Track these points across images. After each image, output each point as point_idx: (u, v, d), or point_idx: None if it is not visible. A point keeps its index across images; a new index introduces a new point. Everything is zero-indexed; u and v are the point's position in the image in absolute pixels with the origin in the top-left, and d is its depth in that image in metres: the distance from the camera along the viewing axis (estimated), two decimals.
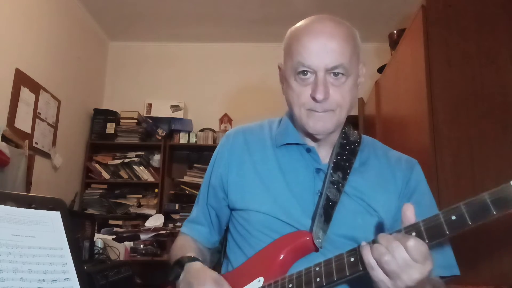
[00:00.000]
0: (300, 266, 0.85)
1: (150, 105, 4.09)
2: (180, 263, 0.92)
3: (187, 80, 4.31)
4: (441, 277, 0.92)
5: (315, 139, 0.99)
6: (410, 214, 0.74)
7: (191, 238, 1.09)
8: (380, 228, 0.93)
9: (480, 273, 1.64)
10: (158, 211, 3.77)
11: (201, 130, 4.08)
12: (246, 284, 0.90)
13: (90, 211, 3.74)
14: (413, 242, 0.68)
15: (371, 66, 3.23)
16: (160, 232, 3.10)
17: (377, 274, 0.71)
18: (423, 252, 0.69)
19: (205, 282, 0.84)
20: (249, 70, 4.25)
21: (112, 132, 3.94)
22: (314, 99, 0.90)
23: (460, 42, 1.90)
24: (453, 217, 0.70)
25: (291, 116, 1.02)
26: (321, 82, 0.89)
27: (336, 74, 0.90)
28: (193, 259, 0.93)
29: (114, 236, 2.85)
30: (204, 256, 1.03)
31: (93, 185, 3.88)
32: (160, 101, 4.10)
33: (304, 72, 0.90)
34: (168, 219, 3.71)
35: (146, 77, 4.31)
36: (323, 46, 0.89)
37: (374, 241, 0.73)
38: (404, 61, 2.32)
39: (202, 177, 1.13)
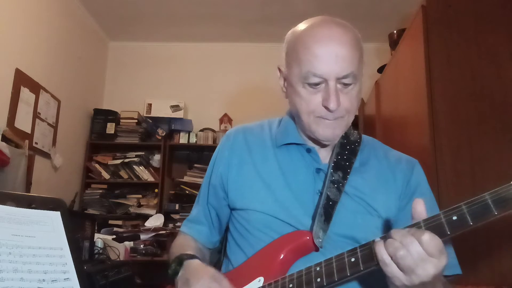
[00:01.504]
0: (300, 266, 0.85)
1: (150, 105, 4.09)
2: (179, 261, 0.92)
3: (187, 80, 4.31)
4: (444, 276, 0.92)
5: (322, 145, 0.99)
6: (420, 209, 0.73)
7: (190, 238, 1.09)
8: (380, 228, 0.93)
9: (480, 273, 1.64)
10: (158, 211, 3.77)
11: (201, 130, 4.08)
12: (246, 284, 0.90)
13: (90, 211, 3.74)
14: (428, 236, 0.68)
15: (371, 66, 3.23)
16: (160, 232, 3.10)
17: (392, 269, 0.70)
18: (438, 246, 0.68)
19: (202, 278, 0.84)
20: (249, 70, 4.24)
21: (112, 132, 3.94)
22: (326, 108, 0.89)
23: (460, 42, 1.90)
24: (454, 217, 0.70)
25: (293, 117, 1.02)
26: (333, 91, 0.88)
27: (346, 83, 0.89)
28: (192, 256, 0.93)
29: (114, 236, 2.85)
30: (204, 255, 1.03)
31: (93, 185, 3.88)
32: (160, 101, 4.10)
33: (315, 82, 0.89)
34: (168, 219, 3.71)
35: (146, 77, 4.31)
36: (333, 55, 0.87)
37: (386, 237, 0.73)
38: (404, 61, 2.32)
39: (202, 177, 1.13)
